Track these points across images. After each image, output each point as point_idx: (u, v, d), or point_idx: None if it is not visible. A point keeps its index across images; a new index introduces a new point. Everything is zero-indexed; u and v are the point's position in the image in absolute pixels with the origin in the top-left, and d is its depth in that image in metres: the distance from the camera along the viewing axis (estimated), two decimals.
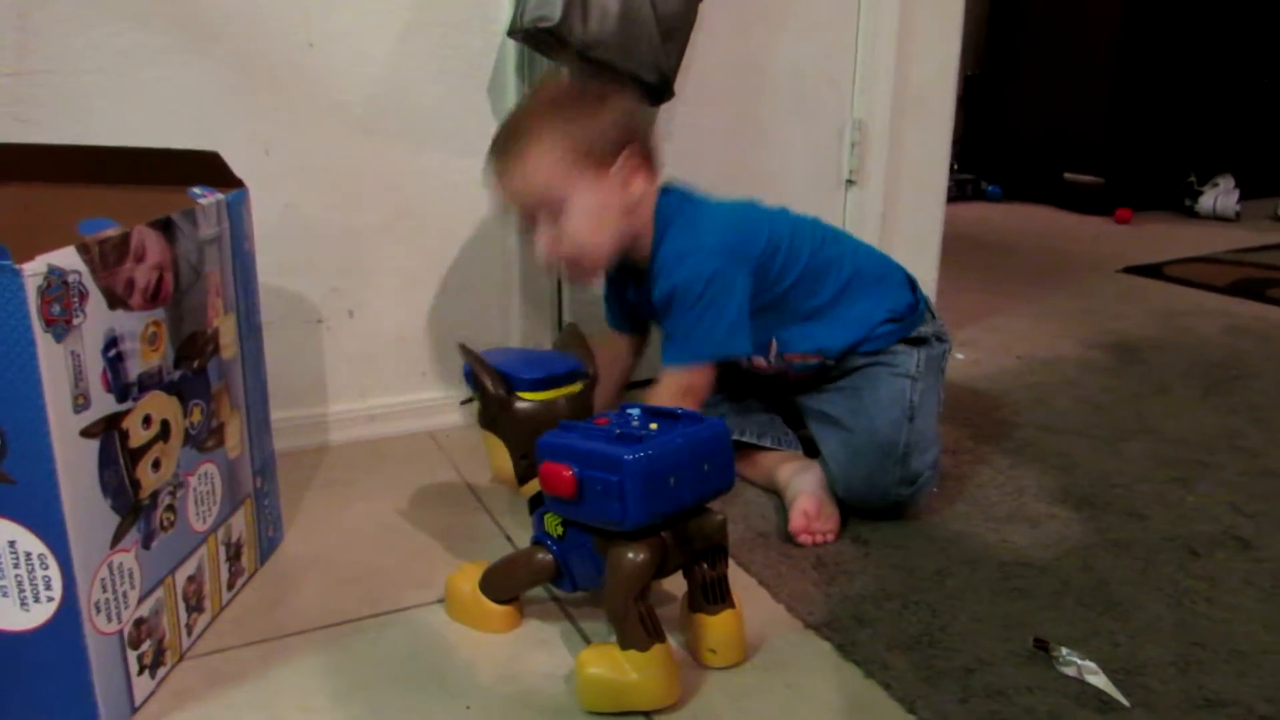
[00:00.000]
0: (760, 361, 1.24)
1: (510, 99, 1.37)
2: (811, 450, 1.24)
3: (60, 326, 0.71)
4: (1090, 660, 0.87)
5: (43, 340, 0.69)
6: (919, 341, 1.24)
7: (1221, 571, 1.05)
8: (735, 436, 1.22)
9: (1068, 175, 3.22)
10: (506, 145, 1.14)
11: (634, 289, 1.26)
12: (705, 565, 0.87)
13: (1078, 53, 3.13)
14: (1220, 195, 3.12)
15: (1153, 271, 2.43)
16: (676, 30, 1.32)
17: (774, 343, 1.23)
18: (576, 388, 0.95)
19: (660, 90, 1.36)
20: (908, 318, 1.25)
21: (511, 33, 1.29)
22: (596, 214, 1.12)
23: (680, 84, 1.39)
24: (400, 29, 1.30)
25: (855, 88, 1.66)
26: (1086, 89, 3.11)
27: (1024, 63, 3.32)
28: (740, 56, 1.52)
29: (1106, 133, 3.12)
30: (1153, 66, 3.05)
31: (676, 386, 1.15)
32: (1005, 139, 3.47)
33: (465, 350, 0.94)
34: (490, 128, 1.36)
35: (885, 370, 1.20)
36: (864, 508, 1.15)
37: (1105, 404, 1.54)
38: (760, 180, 1.45)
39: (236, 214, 0.98)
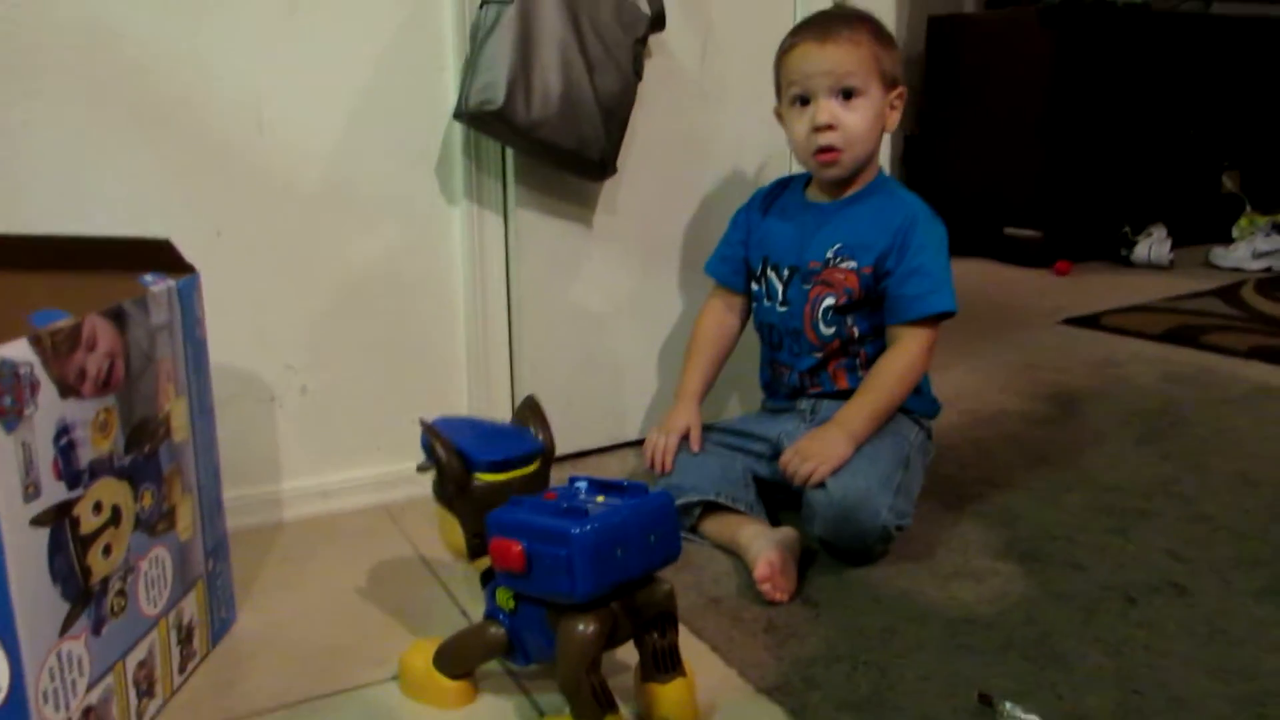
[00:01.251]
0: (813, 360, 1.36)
1: (458, 178, 1.40)
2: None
3: (11, 417, 0.72)
4: (1033, 714, 0.89)
5: None
6: (922, 426, 1.36)
7: (1159, 618, 1.09)
8: (712, 498, 1.27)
9: (1008, 230, 3.31)
10: (846, 20, 1.31)
11: (808, 216, 1.37)
12: (655, 634, 0.88)
13: (1011, 112, 3.24)
14: (1154, 244, 3.23)
15: (1091, 322, 2.50)
16: (617, 110, 1.37)
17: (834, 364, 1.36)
18: (532, 468, 0.96)
19: (602, 167, 1.40)
20: (925, 393, 1.38)
21: (457, 115, 1.33)
22: (873, 118, 1.29)
23: (623, 159, 1.43)
24: (349, 111, 1.33)
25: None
26: (1022, 147, 3.22)
27: (961, 123, 3.42)
28: (682, 132, 1.56)
29: (1043, 188, 3.22)
30: (1083, 124, 3.16)
31: (927, 341, 1.31)
32: (946, 196, 3.49)
33: (426, 426, 0.95)
34: (439, 206, 1.41)
35: (890, 430, 1.28)
36: (837, 544, 1.20)
37: (1046, 456, 1.58)
38: (705, 251, 1.48)
39: (188, 299, 1.00)
